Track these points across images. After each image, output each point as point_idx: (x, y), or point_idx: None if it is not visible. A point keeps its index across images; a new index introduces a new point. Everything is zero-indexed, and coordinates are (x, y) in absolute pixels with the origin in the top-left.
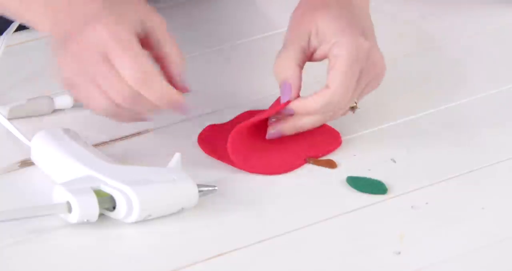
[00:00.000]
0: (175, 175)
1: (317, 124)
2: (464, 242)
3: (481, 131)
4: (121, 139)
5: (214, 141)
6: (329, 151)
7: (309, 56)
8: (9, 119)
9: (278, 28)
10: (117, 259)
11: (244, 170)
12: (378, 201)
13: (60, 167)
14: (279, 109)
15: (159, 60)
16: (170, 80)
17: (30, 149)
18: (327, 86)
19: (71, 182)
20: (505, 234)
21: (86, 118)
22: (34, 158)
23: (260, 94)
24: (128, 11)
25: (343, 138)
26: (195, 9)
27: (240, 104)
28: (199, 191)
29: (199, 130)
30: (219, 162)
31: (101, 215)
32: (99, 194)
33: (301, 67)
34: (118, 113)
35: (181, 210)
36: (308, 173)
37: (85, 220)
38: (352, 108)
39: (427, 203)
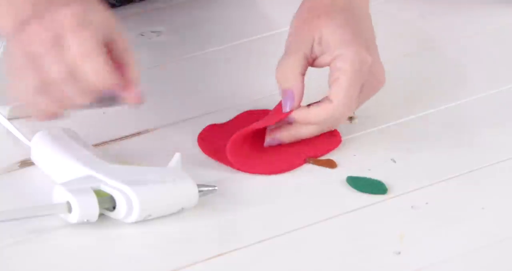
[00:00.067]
0: (175, 175)
1: (315, 133)
2: (464, 242)
3: (481, 131)
4: (121, 138)
5: (214, 141)
6: (328, 151)
7: (310, 63)
8: (9, 119)
9: (278, 28)
10: (117, 259)
11: (243, 170)
12: (378, 201)
13: (60, 167)
14: (281, 119)
15: (117, 69)
16: (126, 87)
17: (30, 149)
18: (329, 100)
19: (71, 182)
20: (505, 234)
21: (86, 118)
22: (34, 158)
23: (260, 94)
24: (97, 15)
25: (343, 138)
26: (195, 9)
27: (240, 104)
28: (199, 191)
29: (199, 130)
30: (219, 161)
31: (101, 215)
32: (99, 194)
33: (303, 75)
34: (38, 101)
35: (181, 210)
36: (308, 173)
37: (85, 220)
38: (350, 118)
39: (427, 203)
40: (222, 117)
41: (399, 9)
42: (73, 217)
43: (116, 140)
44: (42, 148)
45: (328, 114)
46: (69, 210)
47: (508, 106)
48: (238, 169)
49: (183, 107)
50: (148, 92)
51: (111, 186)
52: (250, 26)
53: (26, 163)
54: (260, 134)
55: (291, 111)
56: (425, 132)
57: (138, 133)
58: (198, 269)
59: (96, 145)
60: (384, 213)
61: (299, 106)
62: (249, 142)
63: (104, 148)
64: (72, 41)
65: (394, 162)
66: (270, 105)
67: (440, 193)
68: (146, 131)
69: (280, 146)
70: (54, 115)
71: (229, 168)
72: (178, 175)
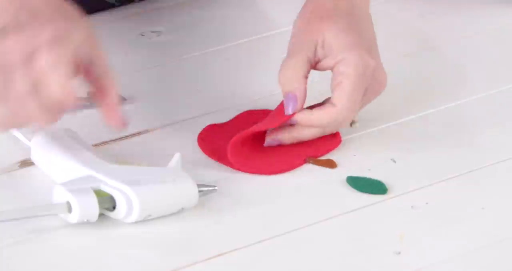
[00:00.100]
0: (175, 175)
1: (317, 136)
2: (464, 242)
3: (481, 131)
4: (121, 138)
5: (214, 140)
6: (328, 151)
7: (313, 66)
8: None
9: (278, 28)
10: (117, 259)
11: (244, 170)
12: (378, 201)
13: (60, 167)
14: (284, 121)
15: (98, 91)
16: (108, 112)
17: (30, 149)
18: (333, 104)
19: (71, 182)
20: (505, 234)
21: (86, 118)
22: (34, 158)
23: (260, 94)
24: (79, 34)
25: (343, 138)
26: (195, 9)
27: (240, 104)
28: (199, 191)
29: (199, 130)
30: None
31: (101, 215)
32: (99, 194)
33: (306, 78)
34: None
35: (181, 210)
36: (308, 173)
37: (85, 220)
38: (351, 123)
39: (427, 203)
40: (222, 117)
41: (399, 9)
42: (73, 217)
43: (116, 140)
44: (42, 148)
45: (331, 118)
46: (69, 210)
47: (508, 106)
48: (238, 169)
49: (183, 107)
50: (148, 92)
51: (111, 186)
52: (250, 26)
53: (26, 163)
54: (260, 134)
55: (293, 114)
56: (425, 132)
57: (138, 133)
58: (198, 269)
59: (96, 145)
60: (384, 213)
61: (301, 109)
62: (249, 142)
63: (104, 148)
64: (42, 57)
65: (394, 162)
66: (270, 105)
67: (440, 193)
68: (146, 131)
69: (280, 146)
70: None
71: (229, 168)
72: (178, 175)
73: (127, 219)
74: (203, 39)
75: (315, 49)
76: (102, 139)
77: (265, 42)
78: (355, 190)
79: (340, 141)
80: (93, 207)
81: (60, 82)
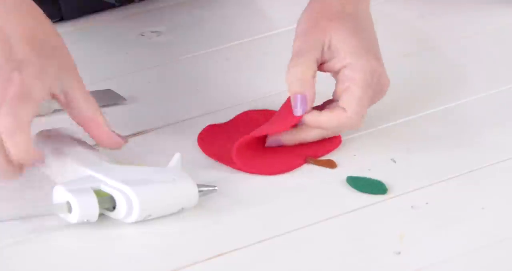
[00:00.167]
0: (175, 175)
1: (318, 138)
2: (464, 242)
3: (481, 131)
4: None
5: (213, 141)
6: (328, 151)
7: (318, 67)
8: None
9: (278, 28)
10: (117, 259)
11: (244, 170)
12: (378, 201)
13: (60, 167)
14: (295, 124)
15: (82, 122)
16: (101, 140)
17: None
18: (343, 109)
19: (71, 182)
20: (505, 234)
21: None
22: None
23: (260, 94)
24: (51, 68)
25: (343, 138)
26: (195, 9)
27: (240, 104)
28: (199, 191)
29: (199, 130)
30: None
31: (101, 215)
32: (99, 194)
33: (314, 78)
34: None
35: (181, 210)
36: (308, 173)
37: (85, 220)
38: None
39: (427, 203)
40: (222, 117)
41: (399, 9)
42: (73, 217)
43: None
44: (42, 148)
45: (340, 122)
46: (69, 210)
47: (508, 106)
48: (239, 169)
49: (183, 107)
50: (148, 92)
51: (111, 186)
52: (250, 26)
53: None
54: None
55: (301, 115)
56: (425, 132)
57: (138, 133)
58: (198, 269)
59: (96, 145)
60: (384, 213)
61: (310, 110)
62: (250, 142)
63: (104, 148)
64: (3, 116)
65: (394, 162)
66: (270, 105)
67: (440, 193)
68: (146, 131)
69: (280, 146)
70: None
71: (229, 168)
72: (178, 175)
73: (127, 219)
74: (203, 39)
75: (322, 49)
76: None
77: (265, 42)
78: (355, 190)
79: (340, 142)
80: (93, 207)
81: (19, 148)
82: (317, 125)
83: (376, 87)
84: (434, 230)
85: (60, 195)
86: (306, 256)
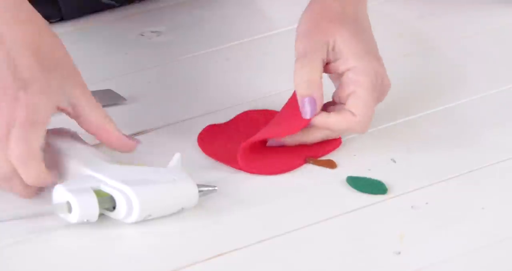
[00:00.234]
0: (175, 175)
1: (320, 140)
2: (464, 242)
3: (481, 131)
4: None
5: (213, 141)
6: (329, 151)
7: None
8: None
9: (278, 28)
10: (117, 259)
11: (244, 170)
12: (378, 201)
13: (60, 167)
14: (304, 126)
15: (92, 131)
16: (113, 146)
17: None
18: (351, 112)
19: (71, 182)
20: (505, 234)
21: None
22: None
23: (260, 94)
24: (55, 81)
25: (343, 138)
26: (195, 9)
27: (240, 104)
28: (199, 191)
29: (199, 130)
30: (219, 162)
31: (101, 215)
32: (99, 194)
33: (321, 79)
34: None
35: (181, 210)
36: (308, 173)
37: (85, 220)
38: None
39: (427, 203)
40: (222, 117)
41: (399, 9)
42: (73, 217)
43: None
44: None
45: (349, 125)
46: (69, 210)
47: (508, 106)
48: (239, 169)
49: (183, 107)
50: (148, 92)
51: (111, 186)
52: (250, 26)
53: None
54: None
55: (311, 118)
56: (425, 132)
57: (138, 133)
58: (198, 269)
59: (96, 145)
60: (384, 213)
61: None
62: (251, 143)
63: (104, 148)
64: (14, 144)
65: (394, 162)
66: (270, 105)
67: (440, 193)
68: (146, 131)
69: (281, 146)
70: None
71: (229, 168)
72: (178, 175)
73: (127, 219)
74: (203, 39)
75: (327, 50)
76: None
77: (265, 42)
78: (355, 190)
79: (340, 142)
80: (93, 207)
81: (31, 175)
82: (326, 127)
83: (380, 89)
84: (434, 230)
85: (60, 194)
86: (306, 256)
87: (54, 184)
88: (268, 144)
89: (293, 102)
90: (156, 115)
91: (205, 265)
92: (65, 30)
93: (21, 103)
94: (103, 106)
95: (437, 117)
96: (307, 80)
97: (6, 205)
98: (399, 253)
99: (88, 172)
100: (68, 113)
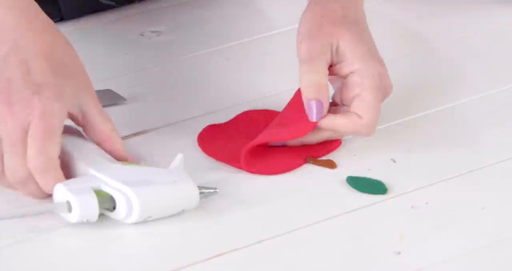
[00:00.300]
0: (176, 176)
1: (321, 141)
2: (464, 242)
3: (481, 131)
4: (121, 138)
5: (213, 141)
6: (329, 151)
7: None
8: None
9: (278, 28)
10: (117, 259)
11: (245, 170)
12: (378, 201)
13: (68, 167)
14: (310, 130)
15: (98, 141)
16: (113, 156)
17: None
18: (358, 115)
19: (71, 181)
20: (505, 234)
21: None
22: None
23: (260, 94)
24: (69, 87)
25: (343, 138)
26: (196, 9)
27: (240, 104)
28: (200, 193)
29: (199, 130)
30: (218, 162)
31: (101, 215)
32: (99, 194)
33: (327, 82)
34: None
35: (182, 212)
36: (308, 173)
37: (85, 220)
38: None
39: (427, 203)
40: (222, 117)
41: (399, 10)
42: (73, 217)
43: None
44: None
45: (355, 127)
46: (69, 209)
47: (508, 106)
48: (239, 168)
49: (183, 107)
50: (148, 92)
51: (111, 186)
52: (250, 26)
53: None
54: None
55: (316, 121)
56: (425, 132)
57: (138, 133)
58: (198, 269)
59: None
60: (384, 213)
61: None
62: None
63: None
64: (33, 155)
65: (394, 162)
66: (270, 105)
67: (440, 193)
68: (146, 131)
69: (281, 146)
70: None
71: (229, 168)
72: (179, 176)
73: (127, 220)
74: (203, 39)
75: (331, 53)
76: None
77: (265, 42)
78: (355, 190)
79: (340, 142)
80: (93, 207)
81: (49, 185)
82: (332, 129)
83: (384, 91)
84: (434, 230)
85: (60, 194)
86: (306, 256)
87: None
88: (270, 143)
89: (296, 103)
90: (156, 115)
91: (205, 265)
92: (65, 30)
93: (36, 108)
94: (103, 106)
95: (437, 117)
96: (314, 84)
97: (7, 204)
98: (399, 253)
99: (90, 171)
100: (77, 120)
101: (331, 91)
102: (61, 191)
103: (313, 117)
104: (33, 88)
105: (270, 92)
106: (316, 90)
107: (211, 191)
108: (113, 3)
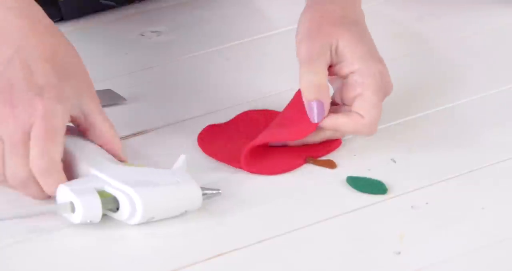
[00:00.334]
0: (179, 177)
1: (321, 141)
2: (464, 242)
3: (481, 131)
4: (121, 138)
5: (213, 141)
6: (329, 151)
7: None
8: None
9: (278, 28)
10: (120, 260)
11: (245, 170)
12: (378, 201)
13: (71, 168)
14: (312, 131)
15: (99, 143)
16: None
17: None
18: (359, 115)
19: (74, 182)
20: (505, 234)
21: None
22: None
23: (260, 94)
24: (71, 88)
25: (343, 138)
26: (195, 9)
27: (240, 104)
28: (203, 194)
29: (199, 130)
30: (218, 162)
31: (104, 216)
32: (102, 194)
33: (327, 82)
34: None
35: (185, 213)
36: (308, 173)
37: (88, 221)
38: None
39: (427, 203)
40: (222, 117)
41: (398, 10)
42: (76, 217)
43: None
44: None
45: (357, 127)
46: (72, 210)
47: (508, 106)
48: (239, 168)
49: (183, 107)
50: (148, 92)
51: (114, 187)
52: (250, 26)
53: None
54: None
55: (319, 122)
56: (425, 132)
57: (138, 133)
58: (198, 269)
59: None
60: (384, 213)
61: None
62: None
63: None
64: (36, 157)
65: (394, 162)
66: (270, 105)
67: (440, 193)
68: (146, 131)
69: (281, 146)
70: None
71: (229, 168)
72: (182, 178)
73: (130, 221)
74: (203, 39)
75: (330, 53)
76: None
77: (265, 42)
78: (355, 190)
79: (340, 142)
80: (96, 207)
81: (52, 187)
82: (334, 128)
83: (385, 90)
84: (434, 230)
85: (63, 194)
86: (306, 256)
87: None
88: (270, 143)
89: (296, 104)
90: (156, 115)
91: (205, 265)
92: (65, 30)
93: (38, 110)
94: (103, 106)
95: (437, 117)
96: (314, 84)
97: (9, 204)
98: (399, 253)
99: (93, 171)
100: (79, 122)
101: (331, 92)
102: (64, 192)
103: (314, 118)
104: (36, 90)
105: (270, 92)
106: (317, 91)
107: (214, 192)
108: (113, 3)
